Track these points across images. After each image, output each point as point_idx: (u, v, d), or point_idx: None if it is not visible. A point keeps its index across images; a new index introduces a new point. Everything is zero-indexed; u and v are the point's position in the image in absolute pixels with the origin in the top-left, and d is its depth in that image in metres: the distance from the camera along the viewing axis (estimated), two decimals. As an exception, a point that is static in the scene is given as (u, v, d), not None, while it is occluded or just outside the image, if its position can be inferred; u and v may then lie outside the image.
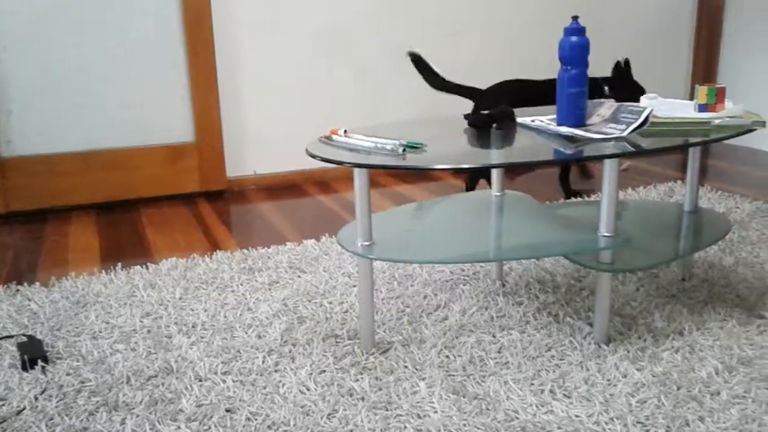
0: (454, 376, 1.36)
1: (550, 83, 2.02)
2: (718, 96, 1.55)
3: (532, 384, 1.32)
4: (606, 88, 2.43)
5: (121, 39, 2.58)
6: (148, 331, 1.58)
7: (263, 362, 1.43)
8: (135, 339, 1.54)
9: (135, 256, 2.11)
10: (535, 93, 2.22)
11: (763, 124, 1.53)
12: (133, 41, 2.60)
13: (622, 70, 2.51)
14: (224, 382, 1.36)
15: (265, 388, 1.33)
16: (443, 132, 1.65)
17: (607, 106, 1.56)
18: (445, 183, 2.90)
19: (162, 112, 2.70)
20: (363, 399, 1.29)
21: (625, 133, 1.42)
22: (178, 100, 2.71)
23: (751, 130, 1.51)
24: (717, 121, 1.52)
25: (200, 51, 2.68)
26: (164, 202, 2.72)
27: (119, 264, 2.01)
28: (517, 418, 1.22)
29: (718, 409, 1.22)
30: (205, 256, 2.06)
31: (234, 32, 2.76)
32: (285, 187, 2.92)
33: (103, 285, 1.85)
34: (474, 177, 2.66)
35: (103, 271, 1.96)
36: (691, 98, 1.61)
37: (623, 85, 2.48)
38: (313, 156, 1.37)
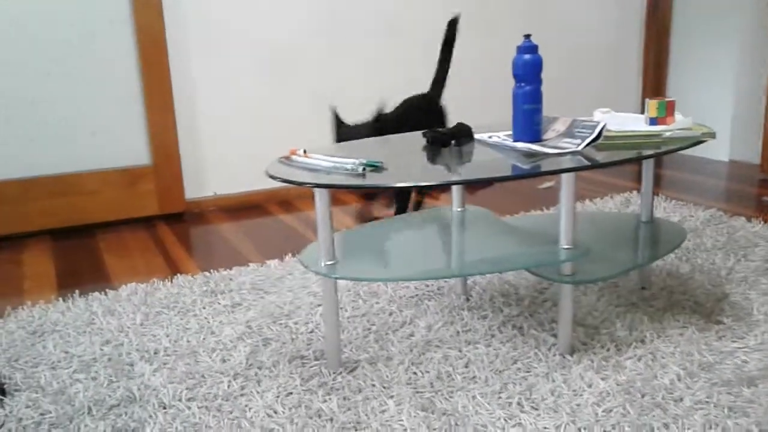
0: (422, 392, 1.36)
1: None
2: (668, 109, 1.60)
3: (500, 397, 1.33)
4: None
5: (74, 64, 2.54)
6: (109, 359, 1.55)
7: (228, 387, 1.41)
8: (95, 368, 1.51)
9: (93, 282, 2.07)
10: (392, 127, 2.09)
11: (713, 135, 1.58)
12: (86, 66, 2.56)
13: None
14: (189, 408, 1.33)
15: (231, 413, 1.31)
16: (402, 150, 1.66)
17: (561, 122, 1.59)
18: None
19: (117, 136, 2.66)
20: (332, 420, 1.28)
21: (580, 147, 1.45)
22: (133, 124, 2.68)
23: (701, 141, 1.56)
24: (668, 134, 1.56)
25: (155, 74, 2.65)
26: (122, 227, 2.67)
27: (77, 291, 1.96)
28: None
29: (682, 415, 1.25)
30: (166, 280, 2.02)
31: (189, 54, 2.74)
32: (246, 207, 2.90)
33: (61, 313, 1.80)
34: (403, 198, 2.45)
35: (61, 299, 1.91)
36: (642, 112, 1.66)
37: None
38: (274, 177, 1.36)
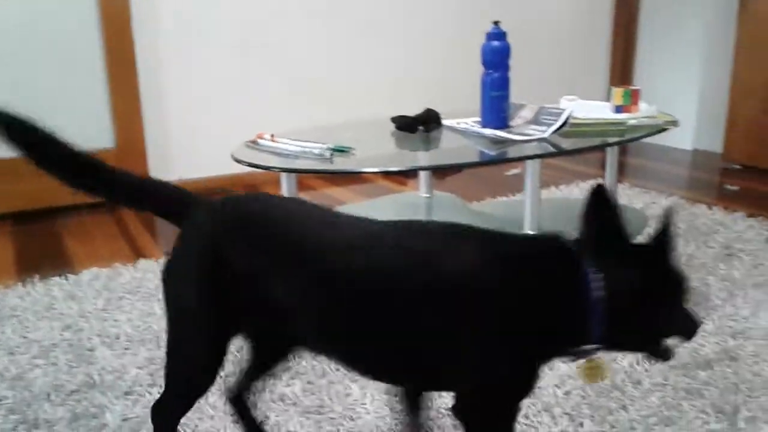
0: (386, 377, 1.36)
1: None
2: (633, 97, 1.62)
3: (463, 381, 1.34)
4: None
5: (34, 45, 2.47)
6: (69, 345, 1.52)
7: (192, 372, 1.39)
8: (55, 353, 1.48)
9: (54, 267, 2.03)
10: None
11: (675, 123, 1.60)
12: (47, 47, 2.49)
13: None
14: (150, 394, 1.32)
15: (194, 398, 1.30)
16: (371, 135, 1.65)
17: (529, 109, 1.60)
18: (375, 185, 2.91)
19: (79, 119, 2.60)
20: (295, 404, 1.28)
21: (546, 134, 1.46)
22: (96, 105, 2.62)
23: (664, 130, 1.58)
24: (632, 122, 1.58)
25: (119, 56, 2.60)
26: (84, 211, 2.62)
27: (37, 276, 1.92)
28: (448, 414, 1.23)
29: (639, 397, 1.27)
30: (129, 265, 1.99)
31: (156, 36, 2.69)
32: (213, 192, 2.85)
33: (20, 298, 1.77)
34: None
35: (20, 284, 1.87)
36: (609, 100, 1.67)
37: None
38: (239, 161, 1.35)
